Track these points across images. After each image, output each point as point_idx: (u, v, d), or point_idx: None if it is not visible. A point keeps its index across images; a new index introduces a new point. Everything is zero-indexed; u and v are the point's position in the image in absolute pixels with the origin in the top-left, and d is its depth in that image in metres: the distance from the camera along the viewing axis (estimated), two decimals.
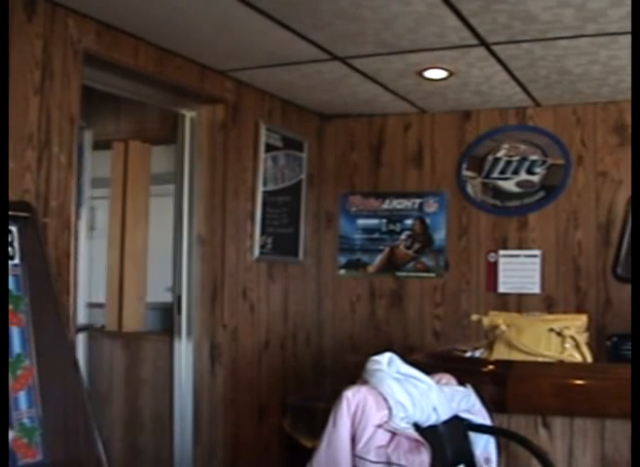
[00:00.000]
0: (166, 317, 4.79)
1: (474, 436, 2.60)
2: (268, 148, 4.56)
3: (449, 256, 4.92)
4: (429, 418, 2.44)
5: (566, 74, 3.99)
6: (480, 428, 2.62)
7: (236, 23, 3.31)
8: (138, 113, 4.91)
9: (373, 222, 5.09)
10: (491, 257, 4.82)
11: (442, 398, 2.48)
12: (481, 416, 2.64)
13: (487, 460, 2.61)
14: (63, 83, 3.15)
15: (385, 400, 2.36)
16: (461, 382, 2.66)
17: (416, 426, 2.41)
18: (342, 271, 5.16)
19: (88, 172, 4.53)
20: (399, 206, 5.05)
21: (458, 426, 2.56)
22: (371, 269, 5.08)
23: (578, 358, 2.97)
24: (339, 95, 4.60)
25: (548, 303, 4.64)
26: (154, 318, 5.28)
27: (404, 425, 2.36)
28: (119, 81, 3.70)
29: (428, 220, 4.98)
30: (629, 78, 3.82)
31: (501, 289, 4.78)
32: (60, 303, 2.83)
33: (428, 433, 2.40)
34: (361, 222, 5.13)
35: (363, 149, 5.16)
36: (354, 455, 2.31)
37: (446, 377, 2.66)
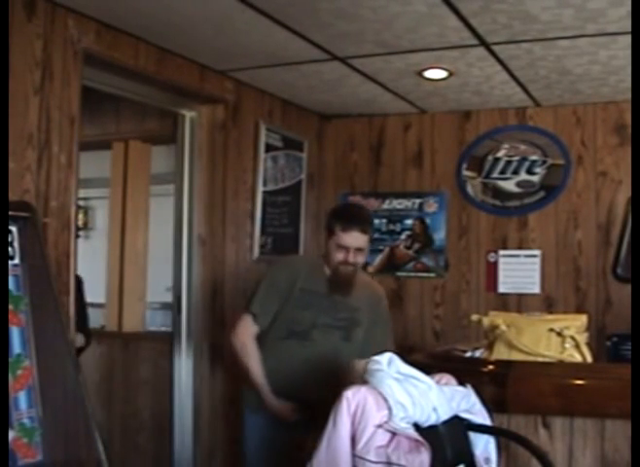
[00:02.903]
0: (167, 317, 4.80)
1: (474, 436, 2.60)
2: (268, 148, 4.56)
3: (449, 256, 4.92)
4: (429, 418, 2.43)
5: (566, 74, 3.99)
6: (480, 428, 2.62)
7: (236, 23, 3.31)
8: (138, 113, 4.92)
9: (374, 222, 5.08)
10: (491, 257, 4.82)
11: (442, 398, 2.48)
12: (481, 416, 2.63)
13: (487, 460, 2.60)
14: (63, 83, 3.15)
15: (385, 400, 2.36)
16: (461, 382, 2.66)
17: (416, 426, 2.41)
18: None
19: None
20: (399, 206, 5.05)
21: (458, 426, 2.56)
22: (371, 269, 5.07)
23: (578, 358, 2.97)
24: (339, 95, 4.60)
25: (548, 303, 4.64)
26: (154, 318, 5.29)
27: (404, 425, 2.36)
28: (119, 81, 3.70)
29: (428, 220, 4.98)
30: (629, 78, 3.82)
31: (501, 289, 4.78)
32: (60, 303, 2.83)
33: (428, 433, 2.40)
34: None
35: (363, 149, 5.16)
36: (354, 455, 2.31)
37: (446, 378, 2.66)
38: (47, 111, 3.07)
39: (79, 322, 3.61)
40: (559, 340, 2.99)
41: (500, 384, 2.83)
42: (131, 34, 3.47)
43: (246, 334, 3.21)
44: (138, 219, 5.12)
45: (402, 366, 2.49)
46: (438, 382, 2.57)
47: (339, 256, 3.20)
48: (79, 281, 3.76)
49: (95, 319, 4.98)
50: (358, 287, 3.34)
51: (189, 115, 4.31)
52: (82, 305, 3.80)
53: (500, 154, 4.84)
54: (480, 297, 4.82)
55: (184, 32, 3.47)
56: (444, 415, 2.48)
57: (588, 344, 3.03)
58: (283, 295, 3.21)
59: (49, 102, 3.08)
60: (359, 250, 3.22)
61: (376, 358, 2.49)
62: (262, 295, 3.24)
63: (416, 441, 2.33)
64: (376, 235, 5.07)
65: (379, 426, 2.33)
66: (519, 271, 4.74)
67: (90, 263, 3.95)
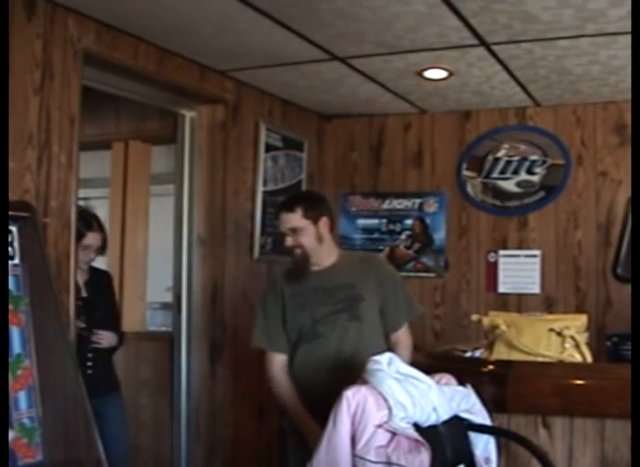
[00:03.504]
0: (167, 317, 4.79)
1: (474, 436, 2.60)
2: (268, 148, 4.56)
3: (449, 256, 4.92)
4: (429, 418, 2.43)
5: (566, 74, 3.99)
6: (480, 428, 2.62)
7: (236, 23, 3.31)
8: (138, 113, 4.91)
9: (373, 222, 5.08)
10: (491, 257, 4.82)
11: (442, 398, 2.48)
12: (482, 417, 2.63)
13: (487, 460, 2.60)
14: (63, 83, 3.15)
15: (385, 400, 2.36)
16: (461, 382, 2.66)
17: (416, 426, 2.41)
18: None
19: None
20: (399, 206, 5.05)
21: (458, 426, 2.56)
22: None
23: (578, 358, 2.97)
24: (339, 95, 4.60)
25: (548, 303, 4.64)
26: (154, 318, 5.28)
27: (404, 425, 2.36)
28: (119, 81, 3.70)
29: (428, 220, 4.98)
30: (629, 78, 3.82)
31: (501, 289, 4.78)
32: (60, 302, 2.83)
33: (428, 433, 2.40)
34: (361, 222, 5.13)
35: (363, 149, 5.16)
36: (354, 455, 2.31)
37: (446, 378, 2.66)
38: (47, 111, 3.07)
39: (111, 321, 3.62)
40: (559, 340, 2.99)
41: (500, 384, 2.83)
42: (131, 34, 3.47)
43: (273, 368, 3.09)
44: (138, 219, 5.12)
45: (402, 366, 2.49)
46: (438, 382, 2.57)
47: (284, 244, 3.11)
48: (109, 279, 3.77)
49: None
50: (345, 264, 3.13)
51: (189, 115, 4.31)
52: (113, 304, 3.78)
53: (500, 154, 4.84)
54: (480, 297, 4.82)
55: (184, 32, 3.47)
56: (444, 415, 2.48)
57: (588, 344, 3.03)
58: (279, 310, 3.11)
59: (49, 102, 3.08)
60: (294, 231, 3.04)
61: (376, 358, 2.49)
62: (260, 324, 3.14)
63: (416, 441, 2.33)
64: (376, 235, 5.08)
65: (379, 426, 2.33)
66: (519, 271, 4.74)
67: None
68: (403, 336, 3.10)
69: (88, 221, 3.46)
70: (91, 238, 3.44)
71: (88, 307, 3.47)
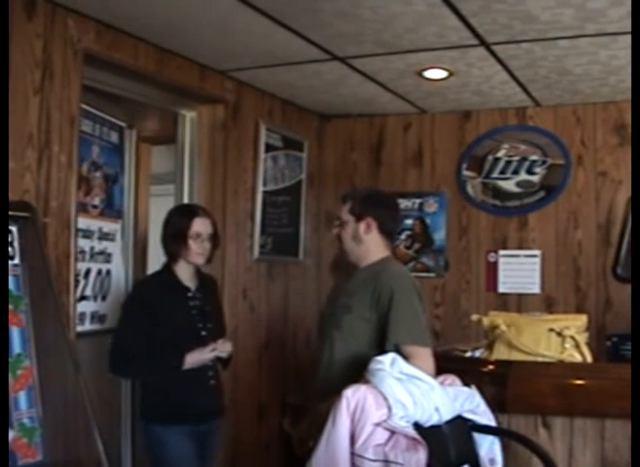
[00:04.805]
0: None
1: (478, 436, 2.59)
2: (268, 148, 4.56)
3: (449, 256, 4.92)
4: (430, 418, 2.43)
5: (566, 74, 3.99)
6: (484, 429, 2.62)
7: (236, 23, 3.31)
8: (138, 113, 4.90)
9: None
10: (491, 257, 4.82)
11: (445, 398, 2.48)
12: (486, 417, 2.63)
13: (492, 461, 2.60)
14: (63, 83, 3.15)
15: (385, 399, 2.37)
16: (465, 383, 2.66)
17: (417, 426, 2.41)
18: None
19: (132, 173, 4.35)
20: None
21: (462, 426, 2.55)
22: None
23: (578, 358, 2.97)
24: (339, 95, 4.60)
25: (548, 303, 4.64)
26: None
27: (403, 424, 2.36)
28: (119, 81, 3.70)
29: (428, 220, 4.98)
30: (629, 78, 3.82)
31: (501, 289, 4.78)
32: (60, 302, 2.83)
33: (430, 433, 2.40)
34: None
35: (363, 149, 5.16)
36: (353, 453, 2.31)
37: (451, 378, 2.66)
38: (47, 111, 3.07)
39: (221, 331, 3.24)
40: (559, 340, 2.99)
41: (500, 384, 2.83)
42: (131, 34, 3.47)
43: None
44: (138, 219, 5.11)
45: (405, 366, 2.50)
46: (442, 383, 2.58)
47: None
48: (216, 284, 3.46)
49: None
50: (369, 272, 2.89)
51: (189, 115, 4.31)
52: (222, 312, 3.38)
53: (500, 154, 4.83)
54: (480, 297, 4.82)
55: (184, 32, 3.47)
56: (447, 415, 2.48)
57: (588, 344, 3.03)
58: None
59: (49, 102, 3.08)
60: (339, 221, 2.96)
61: (379, 358, 2.49)
62: None
63: (414, 439, 2.34)
64: None
65: (378, 424, 2.34)
66: (519, 271, 4.74)
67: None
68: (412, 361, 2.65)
69: (188, 210, 3.20)
70: (200, 224, 3.06)
71: (204, 316, 3.13)
